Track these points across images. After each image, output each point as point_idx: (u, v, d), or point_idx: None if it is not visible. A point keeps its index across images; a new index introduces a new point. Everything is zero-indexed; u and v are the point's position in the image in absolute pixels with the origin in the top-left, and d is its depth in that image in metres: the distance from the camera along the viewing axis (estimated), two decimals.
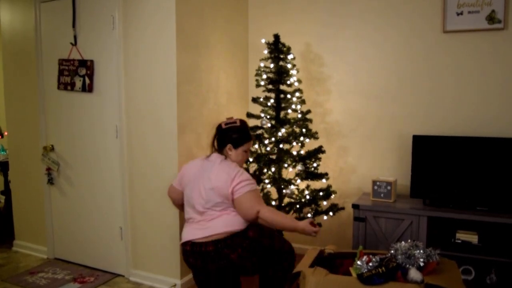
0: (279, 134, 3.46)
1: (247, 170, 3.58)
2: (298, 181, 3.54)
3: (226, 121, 2.86)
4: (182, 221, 3.45)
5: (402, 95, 3.76)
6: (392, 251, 2.38)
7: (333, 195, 3.57)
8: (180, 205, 3.04)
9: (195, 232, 2.69)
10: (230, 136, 2.80)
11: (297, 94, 3.58)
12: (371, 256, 2.37)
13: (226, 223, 2.65)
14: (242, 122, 2.88)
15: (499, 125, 3.45)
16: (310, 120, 3.60)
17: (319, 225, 2.95)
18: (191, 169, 2.85)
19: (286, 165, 3.48)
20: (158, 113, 3.41)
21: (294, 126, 3.54)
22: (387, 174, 3.84)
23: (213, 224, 2.66)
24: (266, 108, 3.59)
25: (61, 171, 3.98)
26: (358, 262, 2.32)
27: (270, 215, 2.60)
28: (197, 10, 3.54)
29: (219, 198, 2.66)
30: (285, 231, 2.80)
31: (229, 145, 2.79)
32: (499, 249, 3.18)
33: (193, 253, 2.65)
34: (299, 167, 3.51)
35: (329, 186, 3.58)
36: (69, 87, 3.79)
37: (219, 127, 2.87)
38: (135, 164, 3.57)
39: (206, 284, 2.71)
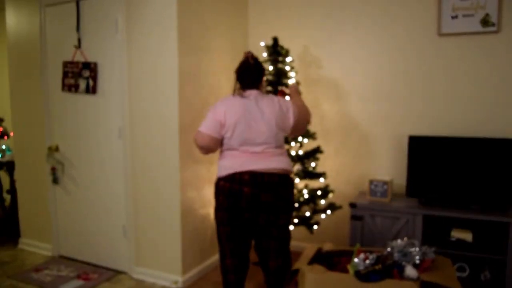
0: None
1: None
2: (297, 180, 3.60)
3: (248, 55, 2.78)
4: (184, 220, 3.52)
5: (398, 97, 3.82)
6: (388, 249, 2.42)
7: (330, 194, 3.64)
8: (213, 151, 2.80)
9: (255, 163, 2.60)
10: (263, 69, 2.78)
11: None
12: (368, 253, 2.41)
13: (285, 162, 2.69)
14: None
15: (493, 126, 3.51)
16: None
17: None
18: (232, 111, 2.63)
19: None
20: (160, 114, 3.47)
21: None
22: (384, 174, 3.89)
23: (276, 159, 2.64)
24: None
25: (65, 171, 4.04)
26: (355, 260, 2.36)
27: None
28: (199, 15, 3.59)
29: (279, 131, 2.66)
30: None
31: (264, 78, 2.79)
32: (493, 246, 3.23)
33: (252, 183, 2.56)
34: (298, 166, 3.57)
35: (327, 186, 3.64)
36: (73, 89, 3.85)
37: (247, 65, 2.75)
38: (138, 164, 3.63)
39: (252, 217, 2.64)
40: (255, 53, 4.29)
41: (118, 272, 3.81)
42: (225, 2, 3.99)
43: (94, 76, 3.73)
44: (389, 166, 3.89)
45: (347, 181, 4.08)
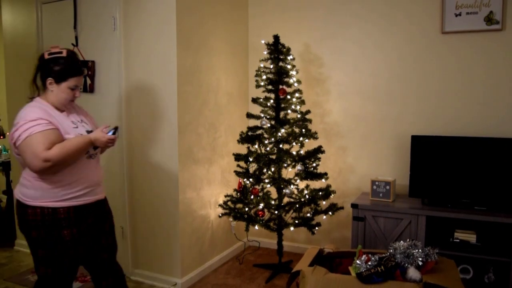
0: (279, 134, 3.48)
1: (247, 170, 3.61)
2: (298, 181, 3.56)
3: (49, 50, 2.35)
4: (182, 222, 3.47)
5: (400, 96, 3.78)
6: (391, 250, 2.40)
7: (332, 195, 3.58)
8: None
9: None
10: (51, 68, 2.29)
11: (297, 94, 3.60)
12: (370, 255, 2.39)
13: (17, 189, 2.35)
14: (70, 52, 2.37)
15: (497, 125, 3.46)
16: (310, 121, 3.62)
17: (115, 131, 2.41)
18: None
19: (285, 165, 3.49)
20: (159, 114, 3.42)
21: (294, 126, 3.55)
22: (386, 174, 3.85)
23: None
24: (266, 109, 3.61)
25: None
26: (357, 261, 2.33)
27: (59, 150, 2.14)
28: (198, 12, 3.55)
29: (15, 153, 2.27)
30: (81, 154, 2.30)
31: (49, 79, 2.29)
32: (497, 248, 3.19)
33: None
34: (299, 167, 3.52)
35: (328, 186, 3.60)
36: None
37: (41, 57, 2.36)
38: (136, 165, 3.58)
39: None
40: (256, 50, 4.30)
41: None
42: None
43: (91, 75, 3.69)
44: (392, 166, 3.85)
45: (349, 181, 4.04)
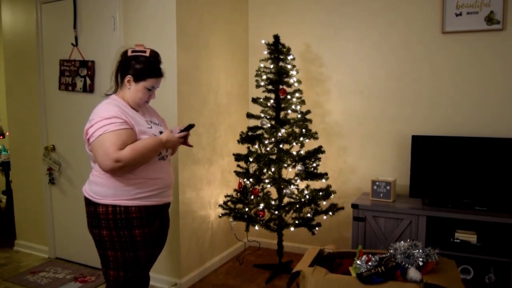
0: (279, 134, 3.47)
1: (247, 170, 3.60)
2: (298, 181, 3.54)
3: (133, 48, 2.34)
4: (182, 222, 3.46)
5: (401, 96, 3.77)
6: (391, 251, 2.39)
7: (332, 195, 3.57)
8: None
9: None
10: (132, 66, 2.28)
11: (297, 94, 3.59)
12: (370, 255, 2.38)
13: (86, 186, 2.39)
14: (153, 53, 2.37)
15: (497, 125, 3.45)
16: (310, 121, 3.61)
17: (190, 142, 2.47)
18: None
19: (286, 165, 3.49)
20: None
21: (294, 127, 3.54)
22: (387, 174, 3.84)
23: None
24: (266, 109, 3.60)
25: (62, 171, 3.99)
26: (358, 262, 2.32)
27: (131, 151, 2.12)
28: (198, 11, 3.55)
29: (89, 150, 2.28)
30: (153, 156, 2.27)
31: (128, 77, 2.28)
32: (498, 248, 3.18)
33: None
34: (299, 167, 3.51)
35: (328, 186, 3.59)
36: (70, 88, 3.79)
37: (124, 54, 2.35)
38: None
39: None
40: (256, 50, 4.29)
41: None
42: None
43: (91, 75, 3.68)
44: (392, 166, 3.83)
45: (349, 181, 4.03)
